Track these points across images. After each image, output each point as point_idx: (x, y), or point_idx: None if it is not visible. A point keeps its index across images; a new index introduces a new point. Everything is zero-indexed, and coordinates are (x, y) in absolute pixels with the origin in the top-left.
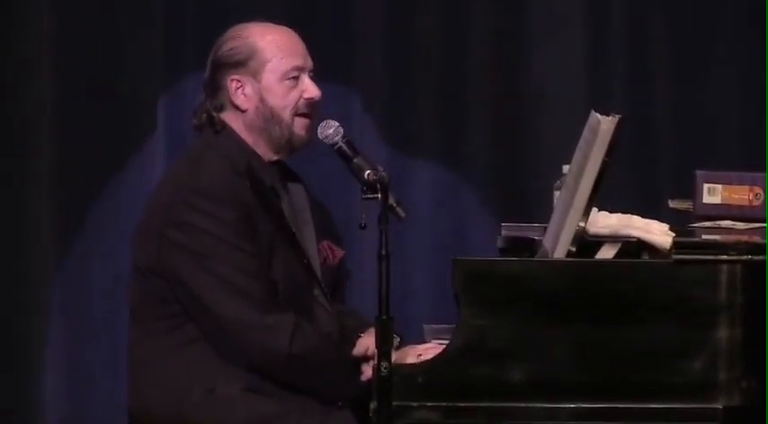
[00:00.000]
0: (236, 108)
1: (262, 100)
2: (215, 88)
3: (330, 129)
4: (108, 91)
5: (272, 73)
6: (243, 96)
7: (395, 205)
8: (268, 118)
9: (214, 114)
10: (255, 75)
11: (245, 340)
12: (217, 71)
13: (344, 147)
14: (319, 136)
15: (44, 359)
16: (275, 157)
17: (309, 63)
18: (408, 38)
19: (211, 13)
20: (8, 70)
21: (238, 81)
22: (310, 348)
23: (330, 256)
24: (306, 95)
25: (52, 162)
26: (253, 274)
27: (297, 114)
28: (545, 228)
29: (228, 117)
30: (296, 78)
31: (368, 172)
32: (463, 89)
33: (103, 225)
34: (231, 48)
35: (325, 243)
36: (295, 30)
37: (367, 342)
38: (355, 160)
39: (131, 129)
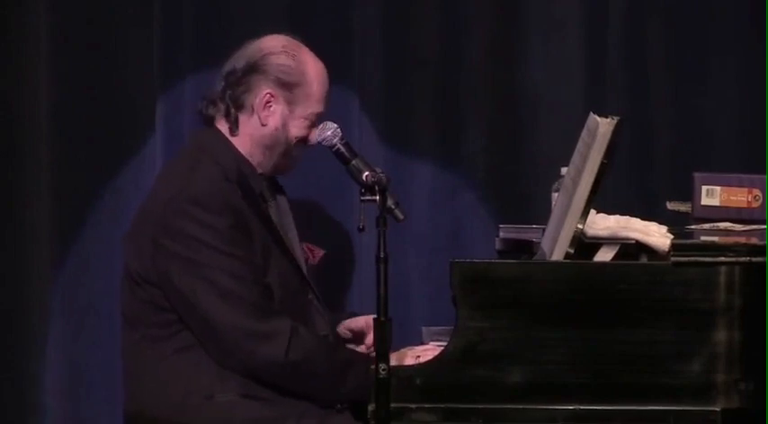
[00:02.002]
0: (257, 117)
1: (284, 125)
2: (245, 87)
3: (328, 131)
4: (106, 93)
5: (305, 108)
6: (269, 111)
7: (393, 207)
8: (280, 143)
9: (232, 110)
10: (290, 102)
11: (242, 348)
12: (255, 73)
13: (342, 149)
14: (317, 138)
15: (44, 359)
16: (261, 171)
17: None
18: (407, 40)
19: (209, 14)
20: (6, 71)
21: (272, 96)
22: (308, 354)
23: (310, 256)
24: (311, 139)
25: (51, 163)
26: (248, 281)
27: (290, 153)
28: (543, 230)
29: (244, 119)
30: (313, 122)
31: (366, 173)
32: (462, 90)
33: (103, 226)
34: (284, 65)
35: (304, 245)
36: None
37: (364, 319)
38: (353, 162)
39: (130, 131)
